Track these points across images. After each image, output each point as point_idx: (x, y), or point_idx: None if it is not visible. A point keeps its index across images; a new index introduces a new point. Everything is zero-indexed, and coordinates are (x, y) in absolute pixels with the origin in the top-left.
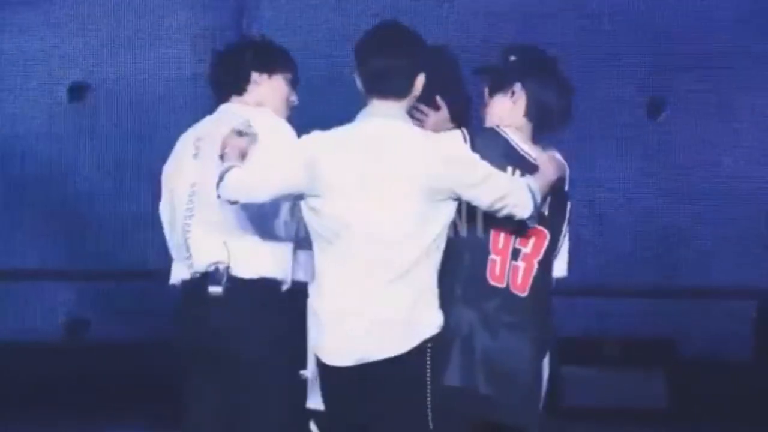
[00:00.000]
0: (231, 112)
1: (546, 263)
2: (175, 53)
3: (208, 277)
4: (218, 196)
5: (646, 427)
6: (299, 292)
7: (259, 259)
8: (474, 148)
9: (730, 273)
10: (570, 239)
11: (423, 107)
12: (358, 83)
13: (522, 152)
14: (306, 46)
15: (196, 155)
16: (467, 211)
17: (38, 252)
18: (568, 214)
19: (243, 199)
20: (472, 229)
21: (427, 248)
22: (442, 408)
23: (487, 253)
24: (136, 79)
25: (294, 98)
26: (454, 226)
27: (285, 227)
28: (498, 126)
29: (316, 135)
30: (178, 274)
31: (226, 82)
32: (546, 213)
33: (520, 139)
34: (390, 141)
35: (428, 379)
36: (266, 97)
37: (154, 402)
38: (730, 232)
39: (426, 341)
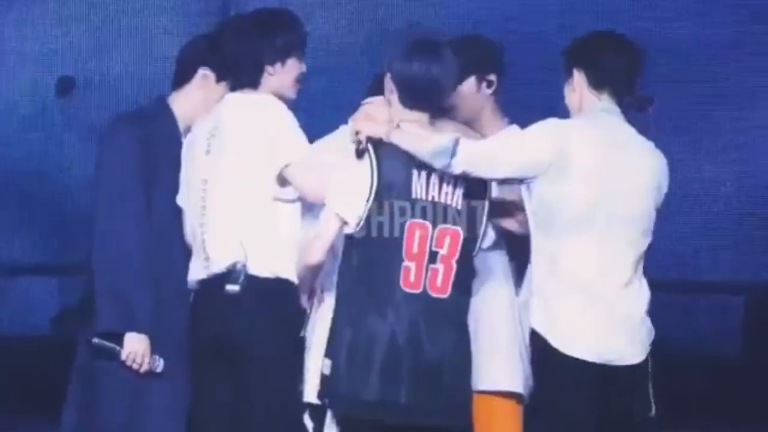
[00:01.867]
0: (239, 101)
1: (465, 261)
2: (161, 46)
3: (225, 276)
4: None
5: None
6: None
7: (275, 258)
8: (381, 156)
9: (717, 268)
10: None
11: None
12: (584, 76)
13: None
14: None
15: (208, 152)
16: (377, 213)
17: (26, 246)
18: (486, 208)
19: (478, 172)
20: (388, 233)
21: (647, 248)
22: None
23: (400, 259)
24: (120, 73)
25: (302, 67)
26: (367, 229)
27: (296, 228)
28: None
29: (563, 122)
30: (194, 273)
31: (239, 76)
32: (458, 208)
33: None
34: (632, 141)
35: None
36: (280, 85)
37: None
38: (717, 227)
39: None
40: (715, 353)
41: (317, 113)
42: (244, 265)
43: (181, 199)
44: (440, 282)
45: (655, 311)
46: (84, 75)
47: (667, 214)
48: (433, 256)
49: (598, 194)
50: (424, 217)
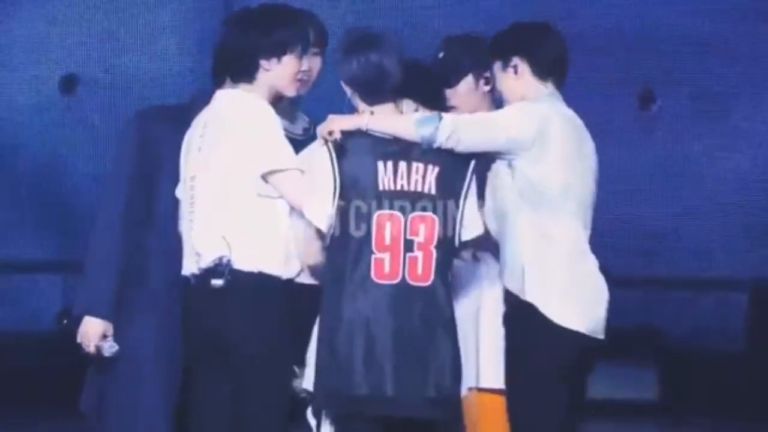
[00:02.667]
0: (226, 98)
1: (445, 248)
2: (163, 44)
3: (212, 270)
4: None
5: (636, 417)
6: (304, 290)
7: (260, 254)
8: (342, 153)
9: (721, 263)
10: None
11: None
12: (528, 65)
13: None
14: None
15: (200, 149)
16: (344, 210)
17: (32, 244)
18: (464, 192)
19: (465, 142)
20: (356, 227)
21: None
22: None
23: (370, 252)
24: (124, 71)
25: (306, 66)
26: (341, 222)
27: (281, 222)
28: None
29: (537, 104)
30: (189, 267)
31: (234, 71)
32: (432, 194)
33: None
34: (582, 125)
35: None
36: (276, 80)
37: None
38: (722, 222)
39: None
40: (719, 349)
41: (325, 108)
42: (229, 260)
43: (179, 192)
44: (421, 269)
45: (658, 307)
46: (89, 72)
47: (671, 210)
48: (409, 245)
49: (569, 175)
50: (393, 207)
